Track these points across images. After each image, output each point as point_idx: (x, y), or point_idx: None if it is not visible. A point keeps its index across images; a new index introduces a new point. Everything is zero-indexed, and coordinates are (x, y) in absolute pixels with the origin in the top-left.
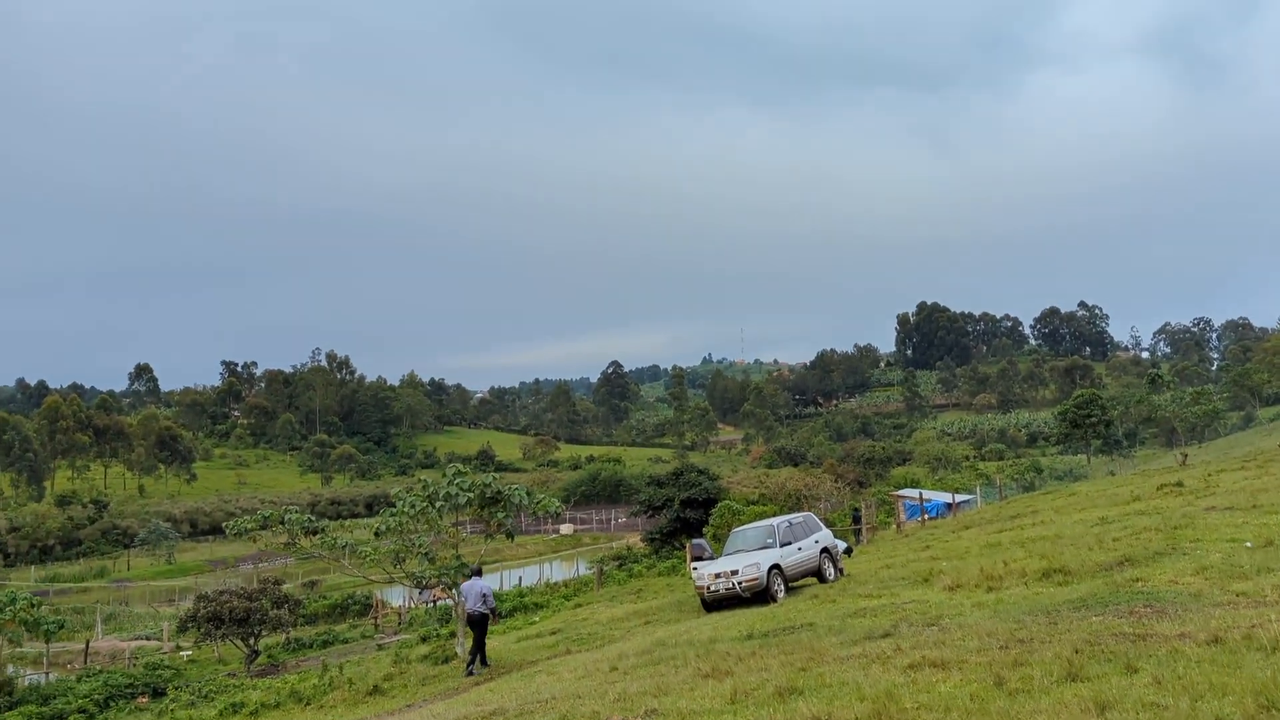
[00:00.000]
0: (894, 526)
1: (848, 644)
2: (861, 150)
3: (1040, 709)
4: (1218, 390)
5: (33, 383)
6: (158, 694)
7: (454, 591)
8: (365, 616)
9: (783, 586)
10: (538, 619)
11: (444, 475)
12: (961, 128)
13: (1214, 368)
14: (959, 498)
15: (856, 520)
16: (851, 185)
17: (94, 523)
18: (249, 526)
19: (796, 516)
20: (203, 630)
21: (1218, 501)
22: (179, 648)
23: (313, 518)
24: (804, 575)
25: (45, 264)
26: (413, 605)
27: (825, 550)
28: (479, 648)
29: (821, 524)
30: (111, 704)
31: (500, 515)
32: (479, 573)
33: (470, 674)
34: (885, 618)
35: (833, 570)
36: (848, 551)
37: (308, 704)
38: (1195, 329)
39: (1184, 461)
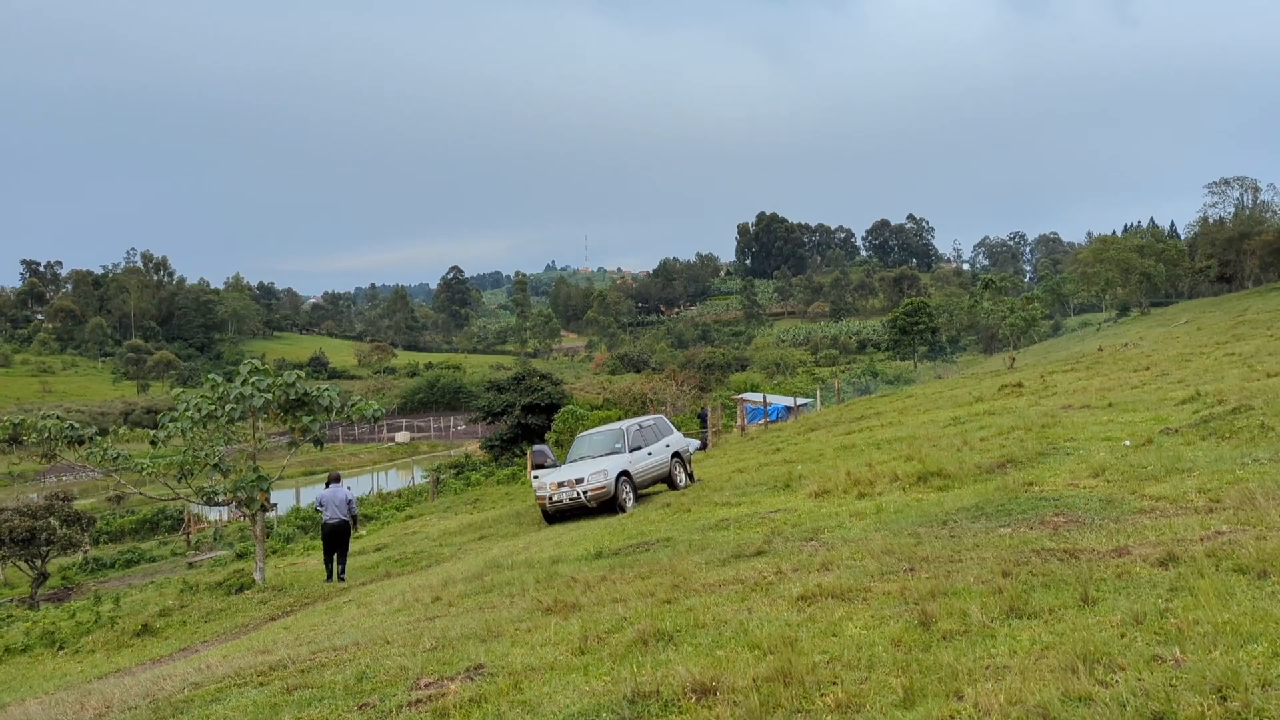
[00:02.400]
0: (737, 429)
1: (715, 564)
2: (704, 60)
3: (1000, 664)
4: (1006, 307)
5: None
6: None
7: (247, 508)
8: (177, 532)
9: (632, 495)
10: (364, 532)
11: (239, 374)
12: (802, 40)
13: (1027, 279)
14: (799, 401)
15: (704, 423)
16: (695, 95)
17: None
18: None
19: (647, 419)
20: None
21: (1065, 401)
22: None
23: (76, 425)
24: (655, 482)
25: None
26: (230, 519)
27: (677, 455)
28: (343, 557)
29: (673, 427)
30: None
31: (306, 420)
32: (338, 479)
33: (330, 579)
34: (752, 530)
35: (684, 476)
36: (702, 446)
37: (61, 647)
38: (1011, 242)
39: (1012, 364)
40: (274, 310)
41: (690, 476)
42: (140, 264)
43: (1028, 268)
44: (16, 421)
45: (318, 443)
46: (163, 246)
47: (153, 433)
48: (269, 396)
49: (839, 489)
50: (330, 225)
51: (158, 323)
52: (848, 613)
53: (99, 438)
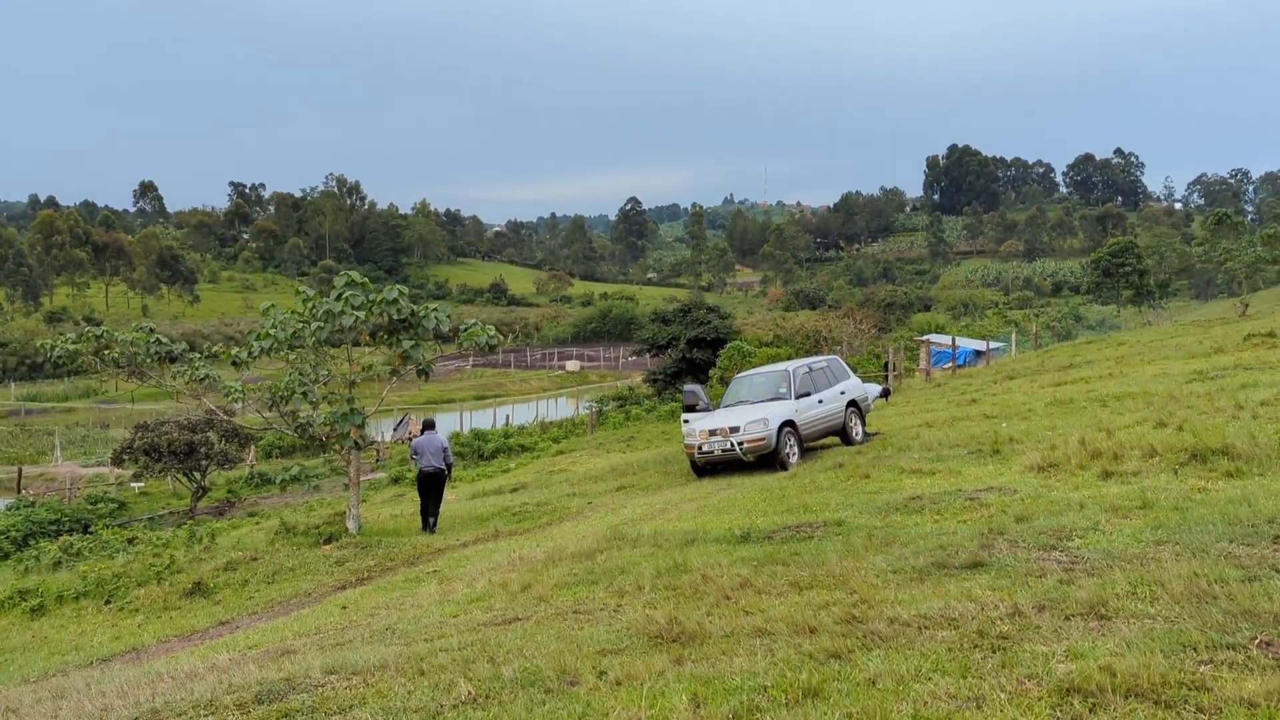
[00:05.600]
0: (920, 373)
1: (909, 577)
2: None
3: None
4: (1247, 245)
5: (43, 198)
6: (86, 530)
7: (339, 445)
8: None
9: (796, 450)
10: (513, 466)
11: (333, 288)
12: None
13: (1248, 220)
14: (992, 345)
15: (886, 367)
16: (884, 19)
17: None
18: (71, 348)
19: (818, 360)
20: (140, 463)
21: None
22: (138, 476)
23: (165, 339)
24: (825, 434)
25: (46, 69)
26: (393, 441)
27: (852, 404)
28: (436, 506)
29: (849, 370)
30: (30, 541)
31: (408, 344)
32: (433, 426)
33: (425, 529)
34: (957, 519)
35: (860, 430)
36: (884, 394)
37: (109, 601)
38: (1232, 180)
39: (1245, 311)
40: (458, 237)
41: (866, 432)
42: (335, 188)
43: (1249, 208)
44: (99, 334)
45: (423, 373)
46: (356, 172)
47: (234, 351)
48: (361, 315)
49: (1071, 462)
50: (515, 156)
51: (350, 245)
52: None
53: (193, 355)
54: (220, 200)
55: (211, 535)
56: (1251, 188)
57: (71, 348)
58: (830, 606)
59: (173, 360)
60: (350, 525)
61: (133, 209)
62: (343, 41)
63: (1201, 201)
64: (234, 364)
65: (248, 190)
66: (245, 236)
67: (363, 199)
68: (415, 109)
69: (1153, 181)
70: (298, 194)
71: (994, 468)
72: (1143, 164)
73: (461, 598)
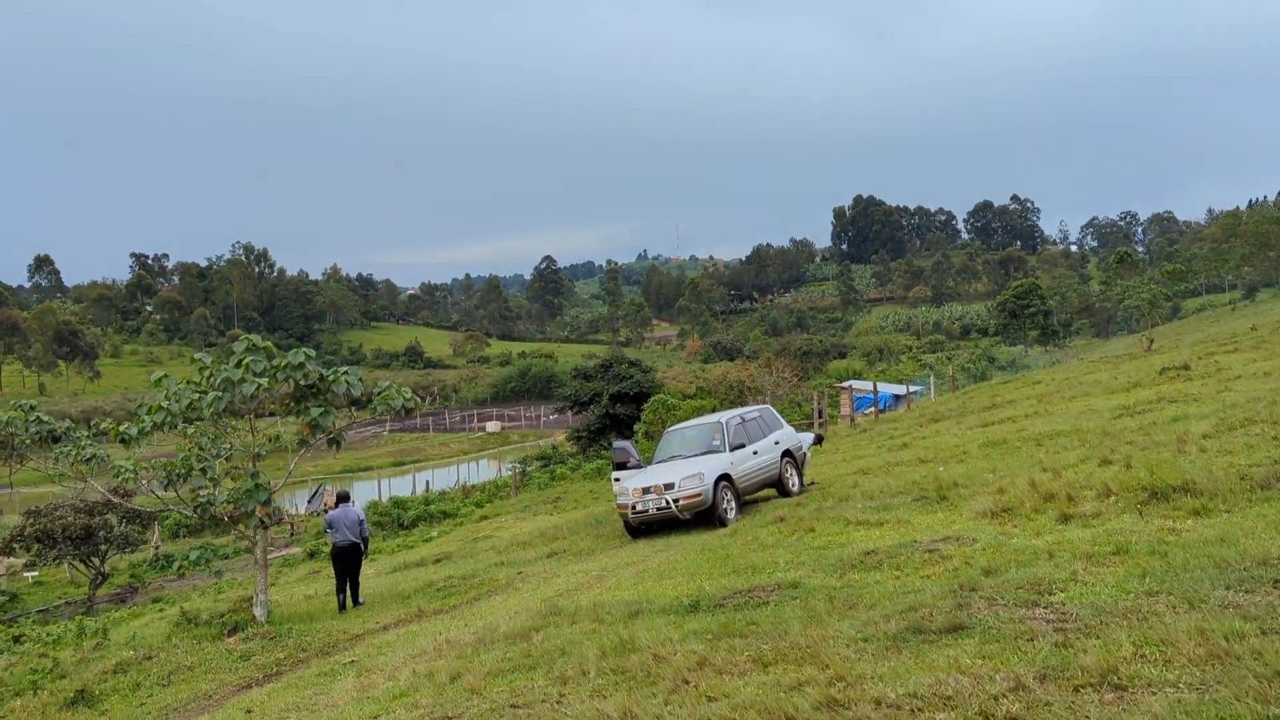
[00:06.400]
0: (843, 419)
1: (883, 647)
2: (795, 44)
3: None
4: (1148, 281)
5: None
6: None
7: (243, 525)
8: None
9: (734, 505)
10: (436, 534)
11: (233, 353)
12: (896, 18)
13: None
14: (911, 388)
15: (814, 414)
16: (786, 80)
17: None
18: None
19: (750, 410)
20: (33, 551)
21: (1249, 385)
22: (31, 565)
23: (45, 417)
24: (761, 487)
25: None
26: (307, 514)
27: (788, 454)
28: (355, 583)
29: (781, 419)
30: None
31: (316, 412)
32: (347, 498)
33: (342, 609)
34: (920, 574)
35: (797, 480)
36: (817, 441)
37: None
38: (1122, 223)
39: (1150, 346)
40: (371, 301)
41: (802, 481)
42: (243, 256)
43: (1140, 248)
44: None
45: (334, 442)
46: (264, 239)
47: (121, 427)
48: (264, 382)
49: (1025, 506)
50: (427, 218)
51: (259, 313)
52: None
53: (80, 434)
54: (122, 272)
55: (104, 630)
56: (1140, 229)
57: None
58: (804, 687)
59: (56, 440)
60: (258, 612)
61: (28, 284)
62: (244, 109)
63: (1095, 243)
64: (122, 441)
65: (150, 261)
66: (149, 309)
67: (271, 266)
68: (323, 173)
69: (1048, 225)
70: (203, 263)
71: (944, 515)
72: (1038, 209)
73: (382, 693)
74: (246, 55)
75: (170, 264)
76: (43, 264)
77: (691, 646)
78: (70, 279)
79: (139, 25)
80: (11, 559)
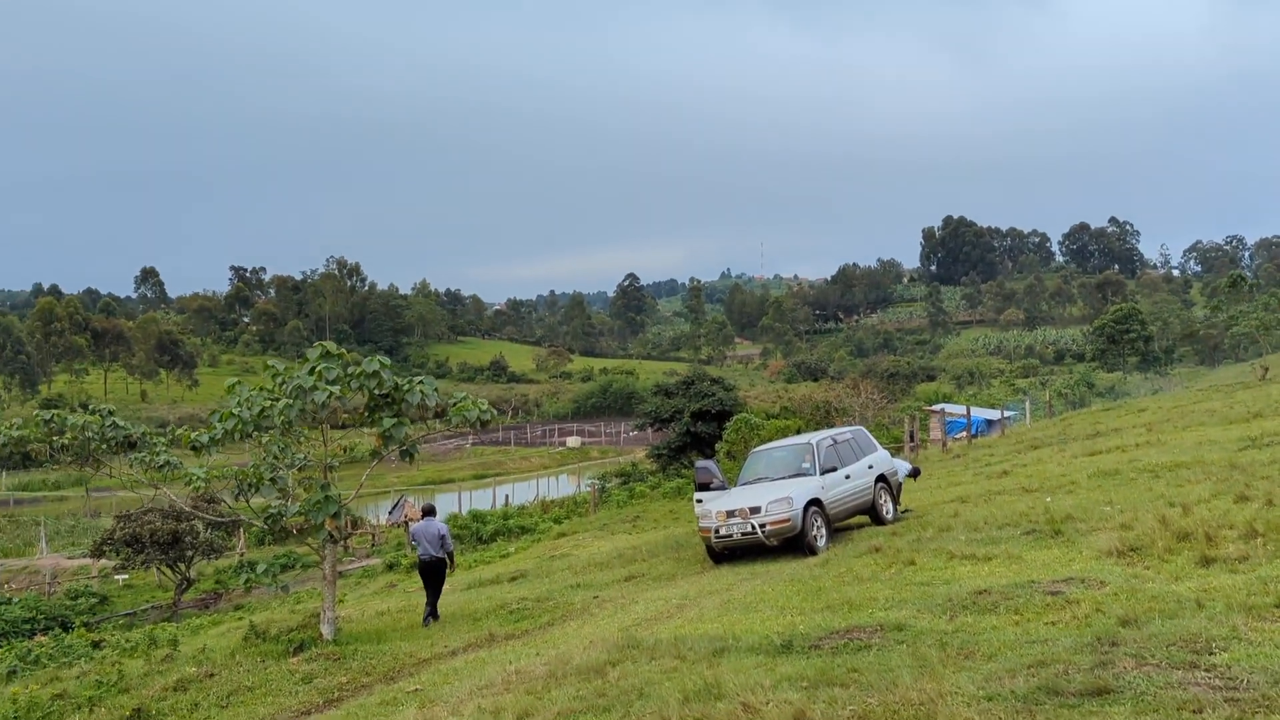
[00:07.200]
0: (935, 445)
1: (1014, 711)
2: (888, 62)
3: None
4: (1261, 306)
5: (46, 287)
6: (65, 628)
7: (311, 538)
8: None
9: (825, 532)
10: (513, 550)
11: (306, 360)
12: (994, 39)
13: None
14: (1005, 413)
15: (907, 437)
16: (878, 99)
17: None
18: (15, 434)
19: (843, 431)
20: (122, 555)
21: None
22: (120, 568)
23: (122, 422)
24: (854, 514)
25: (55, 166)
26: (388, 525)
27: (882, 479)
28: (436, 597)
29: (875, 441)
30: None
31: (388, 424)
32: (432, 511)
33: (426, 624)
34: (1040, 620)
35: (891, 508)
36: (914, 474)
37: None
38: (1228, 247)
39: (1265, 375)
40: (458, 315)
41: (897, 508)
42: (335, 270)
43: (1248, 273)
44: (48, 418)
45: (407, 454)
46: (357, 254)
47: (193, 435)
48: (336, 390)
49: (1157, 545)
50: (515, 235)
51: (350, 326)
52: None
53: (156, 439)
54: (221, 285)
55: (174, 641)
56: (1247, 253)
57: (16, 434)
58: None
59: (132, 446)
60: (325, 630)
61: (134, 295)
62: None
63: (1198, 268)
64: (193, 449)
65: (248, 274)
66: (245, 320)
67: (363, 280)
68: (415, 189)
69: (1148, 249)
70: (298, 276)
71: (1060, 552)
72: (1138, 232)
73: None
74: (354, 78)
75: (267, 277)
76: (148, 276)
77: (786, 695)
78: (174, 290)
79: (243, 54)
80: (104, 561)
